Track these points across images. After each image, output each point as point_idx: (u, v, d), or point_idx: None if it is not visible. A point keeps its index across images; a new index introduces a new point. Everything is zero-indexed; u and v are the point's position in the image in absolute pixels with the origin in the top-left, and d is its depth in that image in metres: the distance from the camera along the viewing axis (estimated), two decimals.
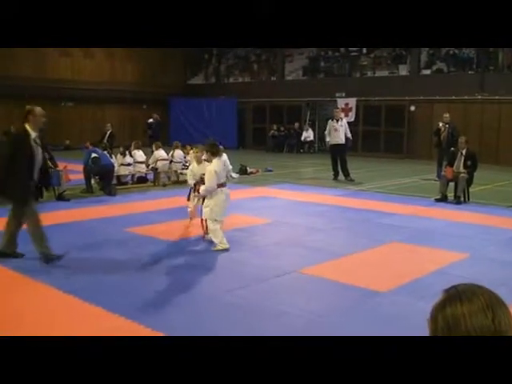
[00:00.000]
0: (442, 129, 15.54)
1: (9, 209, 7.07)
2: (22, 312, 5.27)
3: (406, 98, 23.24)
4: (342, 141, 15.71)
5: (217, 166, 7.72)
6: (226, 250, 7.63)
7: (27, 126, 6.89)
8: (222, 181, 7.85)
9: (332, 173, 15.83)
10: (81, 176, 12.94)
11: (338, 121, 15.90)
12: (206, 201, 7.87)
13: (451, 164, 12.17)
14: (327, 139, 16.12)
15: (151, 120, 22.37)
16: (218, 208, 7.74)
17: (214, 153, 7.82)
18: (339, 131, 15.72)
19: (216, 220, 7.75)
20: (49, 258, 6.89)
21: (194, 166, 9.09)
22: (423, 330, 4.75)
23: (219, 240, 7.70)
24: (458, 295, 1.37)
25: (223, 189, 7.83)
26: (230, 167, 16.32)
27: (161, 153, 15.10)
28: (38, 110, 6.99)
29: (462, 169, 11.94)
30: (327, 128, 16.16)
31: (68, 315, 5.21)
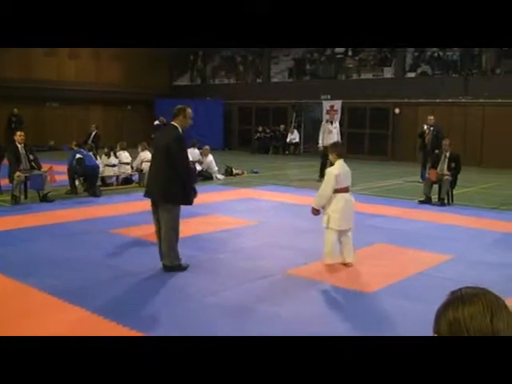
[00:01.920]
0: (427, 131, 15.66)
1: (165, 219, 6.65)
2: (2, 312, 5.22)
3: (391, 100, 23.37)
4: None
5: (338, 169, 6.96)
6: (331, 264, 7.01)
7: (177, 124, 6.70)
8: (344, 185, 7.00)
9: (318, 174, 15.86)
10: (65, 177, 12.85)
11: (331, 123, 16.03)
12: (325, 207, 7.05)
13: (435, 166, 12.26)
14: (320, 141, 16.13)
15: (157, 122, 21.85)
16: (338, 215, 6.89)
17: (340, 154, 7.13)
18: (333, 133, 15.85)
19: (334, 229, 6.95)
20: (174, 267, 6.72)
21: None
22: (409, 330, 4.74)
23: (328, 251, 7.01)
24: (461, 298, 1.40)
25: (344, 194, 6.99)
26: (216, 168, 16.38)
27: (146, 154, 14.93)
28: (189, 111, 6.84)
29: (445, 171, 12.03)
30: (321, 130, 16.21)
31: (52, 317, 5.17)
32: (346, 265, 7.06)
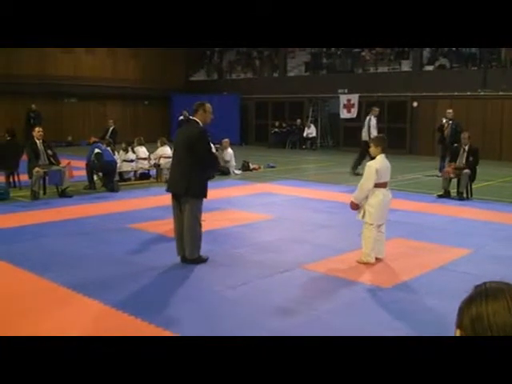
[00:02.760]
0: (446, 125, 15.53)
1: (188, 212, 6.71)
2: (23, 309, 5.27)
3: (409, 94, 23.18)
4: None
5: (379, 164, 6.85)
6: (369, 263, 6.85)
7: (197, 119, 6.83)
8: (383, 181, 6.88)
9: (352, 166, 15.89)
10: (83, 172, 12.95)
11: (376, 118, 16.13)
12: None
13: (454, 160, 12.14)
14: (371, 134, 16.06)
15: (181, 117, 21.66)
16: (373, 210, 6.80)
17: (383, 149, 6.97)
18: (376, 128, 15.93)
19: (372, 224, 6.85)
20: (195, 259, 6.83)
21: None
22: (427, 327, 4.72)
23: (367, 251, 6.86)
24: (484, 293, 1.38)
25: (382, 189, 6.89)
26: (234, 163, 16.39)
27: (165, 150, 14.90)
28: (208, 106, 6.93)
29: (464, 164, 11.91)
30: (372, 125, 16.13)
31: (72, 312, 5.21)
32: (377, 260, 6.98)
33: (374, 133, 15.51)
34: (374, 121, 16.05)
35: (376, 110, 16.46)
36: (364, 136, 15.93)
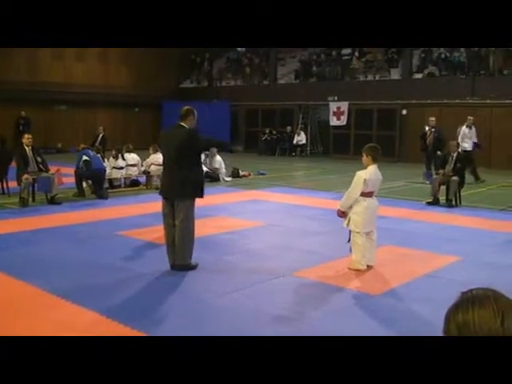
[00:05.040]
0: (428, 133, 15.64)
1: (181, 217, 6.68)
2: (12, 313, 5.24)
3: (398, 101, 23.30)
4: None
5: (369, 174, 6.86)
6: (359, 270, 6.86)
7: (185, 125, 6.81)
8: (369, 190, 6.91)
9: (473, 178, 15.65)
10: (73, 179, 12.88)
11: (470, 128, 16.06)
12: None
13: (442, 168, 12.20)
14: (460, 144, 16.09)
15: None
16: (358, 217, 6.85)
17: (375, 159, 7.01)
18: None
19: (359, 232, 6.88)
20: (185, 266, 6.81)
21: None
22: (416, 332, 4.73)
23: (357, 258, 6.89)
24: (471, 299, 1.39)
25: (367, 198, 6.91)
26: (224, 170, 16.40)
27: (157, 156, 14.75)
28: (195, 112, 6.95)
29: (451, 172, 12.00)
30: (464, 134, 15.99)
31: (59, 318, 5.18)
32: (367, 267, 6.99)
33: (465, 144, 15.45)
34: (465, 130, 15.99)
35: (470, 118, 16.14)
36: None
